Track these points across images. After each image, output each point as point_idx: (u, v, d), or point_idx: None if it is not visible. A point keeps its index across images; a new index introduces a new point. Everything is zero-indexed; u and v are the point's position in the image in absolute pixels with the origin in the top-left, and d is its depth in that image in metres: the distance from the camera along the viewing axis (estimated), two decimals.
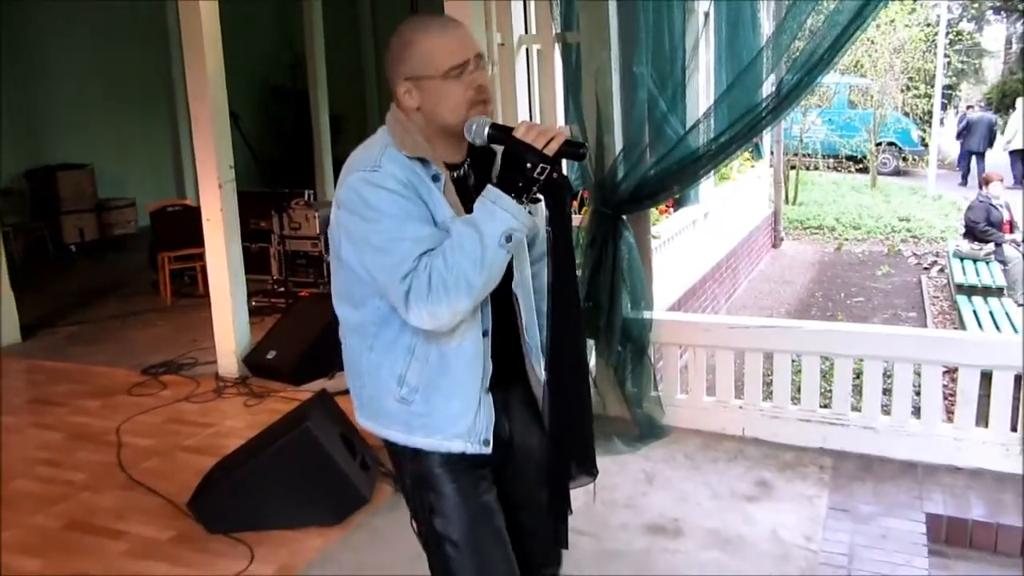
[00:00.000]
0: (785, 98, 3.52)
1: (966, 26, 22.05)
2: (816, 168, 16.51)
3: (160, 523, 3.38)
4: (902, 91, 15.95)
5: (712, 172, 4.21)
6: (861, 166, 16.65)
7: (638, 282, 3.95)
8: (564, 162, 4.38)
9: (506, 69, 4.20)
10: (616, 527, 3.21)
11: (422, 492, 1.80)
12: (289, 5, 10.22)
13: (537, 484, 1.90)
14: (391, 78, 1.72)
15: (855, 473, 3.56)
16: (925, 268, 11.02)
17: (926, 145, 16.55)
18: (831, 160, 16.79)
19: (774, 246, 12.06)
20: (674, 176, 3.81)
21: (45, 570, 3.10)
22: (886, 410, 3.77)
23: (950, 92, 19.77)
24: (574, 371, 1.83)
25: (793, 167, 14.57)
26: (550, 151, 1.60)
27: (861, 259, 11.79)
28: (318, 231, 6.45)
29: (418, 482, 1.81)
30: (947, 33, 16.60)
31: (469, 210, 1.68)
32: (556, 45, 4.03)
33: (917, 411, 3.73)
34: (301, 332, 4.97)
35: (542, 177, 1.61)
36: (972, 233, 9.41)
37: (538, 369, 1.88)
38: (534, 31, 4.97)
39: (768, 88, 3.63)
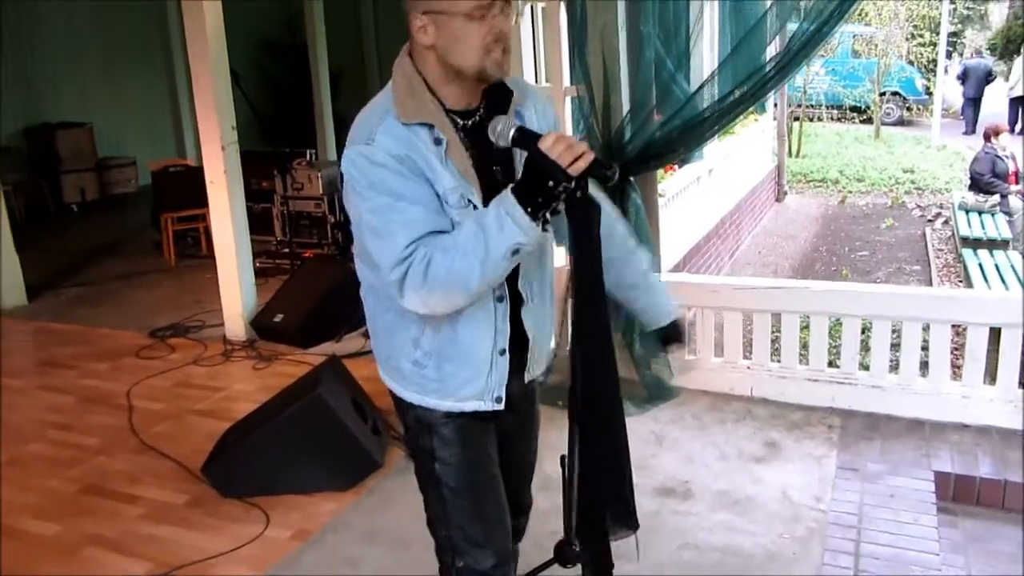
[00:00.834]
0: (796, 54, 3.45)
1: None
2: (819, 119, 16.36)
3: (174, 487, 3.42)
4: (907, 39, 15.74)
5: (720, 132, 4.17)
6: (865, 117, 16.50)
7: (645, 244, 3.92)
8: (570, 123, 4.28)
9: (511, 34, 4.14)
10: None
11: (424, 436, 1.82)
12: None
13: (530, 448, 2.05)
14: (408, 9, 1.62)
15: (863, 432, 3.59)
16: (929, 220, 10.99)
17: (930, 94, 16.38)
18: (835, 111, 16.64)
19: (778, 200, 12.01)
20: (681, 137, 3.76)
21: (63, 535, 3.14)
22: (893, 368, 3.78)
23: (955, 39, 19.49)
24: (606, 418, 1.70)
25: (796, 118, 14.44)
26: (575, 170, 1.50)
27: (865, 212, 11.76)
28: (321, 191, 6.40)
29: (421, 426, 1.83)
30: None
31: (481, 164, 1.64)
32: (561, 3, 3.96)
33: (924, 367, 3.75)
34: (307, 295, 4.98)
35: (563, 196, 1.52)
36: (977, 185, 9.37)
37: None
38: None
39: (774, 48, 3.56)
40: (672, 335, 1.99)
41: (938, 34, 15.55)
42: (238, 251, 4.97)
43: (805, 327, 3.95)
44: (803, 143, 14.60)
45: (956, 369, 4.06)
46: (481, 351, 1.73)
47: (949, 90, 16.66)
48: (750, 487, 3.23)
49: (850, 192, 12.71)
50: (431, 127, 1.62)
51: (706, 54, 6.42)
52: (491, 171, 1.69)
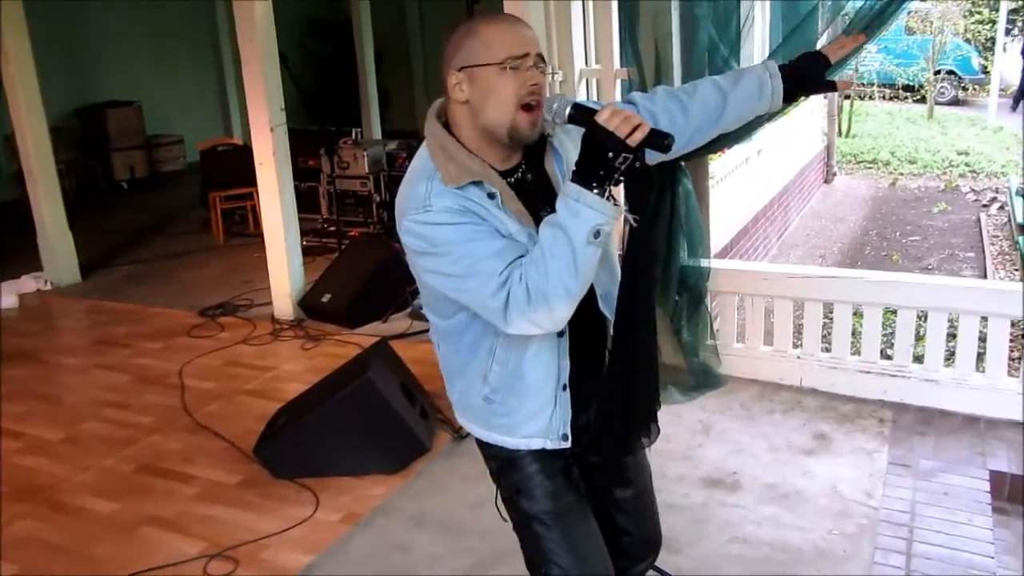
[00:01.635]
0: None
1: None
2: (871, 98, 15.98)
3: (227, 467, 3.49)
4: (964, 16, 15.26)
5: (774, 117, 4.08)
6: (918, 96, 16.07)
7: (696, 230, 3.87)
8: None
9: (561, 16, 4.10)
10: (673, 479, 3.23)
11: (507, 474, 1.82)
12: None
13: (625, 478, 1.95)
14: (444, 71, 1.63)
15: (915, 427, 3.52)
16: (984, 205, 10.68)
17: (987, 73, 15.88)
18: (886, 90, 16.21)
19: (826, 181, 11.78)
20: None
21: (119, 513, 3.22)
22: (948, 362, 3.70)
23: (1015, 17, 18.86)
24: (639, 363, 1.74)
25: (847, 97, 14.11)
26: (633, 141, 1.50)
27: (916, 195, 11.49)
28: (367, 170, 6.44)
29: (503, 465, 1.83)
30: None
31: (534, 211, 1.64)
32: None
33: (980, 358, 3.66)
34: (354, 275, 5.01)
35: (623, 167, 1.51)
36: None
37: None
38: None
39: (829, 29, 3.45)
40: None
41: (997, 11, 15.05)
42: (286, 232, 5.02)
43: (855, 314, 3.87)
44: (853, 123, 14.29)
45: (1014, 362, 3.96)
46: (545, 386, 1.74)
47: (1008, 69, 16.12)
48: (799, 480, 3.19)
49: (901, 174, 12.42)
50: (480, 184, 1.61)
51: (757, 36, 6.29)
52: (541, 218, 1.67)
